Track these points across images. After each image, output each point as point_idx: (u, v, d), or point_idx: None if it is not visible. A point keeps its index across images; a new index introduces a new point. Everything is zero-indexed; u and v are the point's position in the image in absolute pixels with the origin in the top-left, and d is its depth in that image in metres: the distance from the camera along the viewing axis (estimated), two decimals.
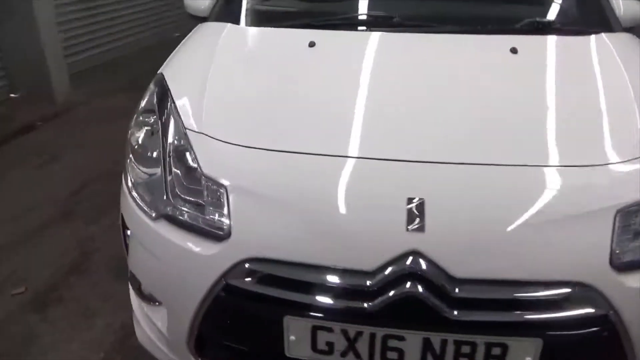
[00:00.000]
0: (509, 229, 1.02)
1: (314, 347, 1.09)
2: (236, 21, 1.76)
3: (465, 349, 1.03)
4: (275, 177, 1.15)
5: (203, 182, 1.19)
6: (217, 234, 1.13)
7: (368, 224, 1.05)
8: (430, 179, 1.09)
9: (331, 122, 1.27)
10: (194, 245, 1.15)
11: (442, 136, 1.20)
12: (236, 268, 1.09)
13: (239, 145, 1.22)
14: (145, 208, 1.25)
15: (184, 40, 1.84)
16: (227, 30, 1.71)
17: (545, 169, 1.11)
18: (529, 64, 1.46)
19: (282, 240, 1.08)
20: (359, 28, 1.69)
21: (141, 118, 1.42)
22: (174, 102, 1.37)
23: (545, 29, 1.63)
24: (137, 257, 1.33)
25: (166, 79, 1.49)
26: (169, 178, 1.25)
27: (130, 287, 1.46)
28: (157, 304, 1.33)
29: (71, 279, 2.13)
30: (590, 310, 1.01)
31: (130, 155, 1.37)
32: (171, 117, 1.34)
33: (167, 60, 1.76)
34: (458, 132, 1.21)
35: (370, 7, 1.74)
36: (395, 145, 1.17)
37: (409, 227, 1.02)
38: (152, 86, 1.52)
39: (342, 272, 1.05)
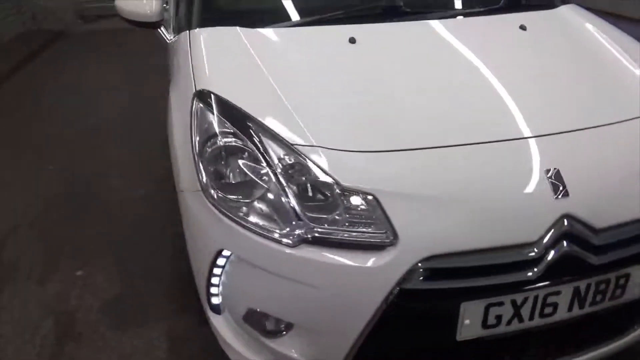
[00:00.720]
0: (629, 177, 1.25)
1: (484, 324, 1.18)
2: (248, 24, 1.64)
3: (602, 287, 1.23)
4: (422, 175, 1.19)
5: (337, 195, 1.15)
6: (382, 244, 1.12)
7: (522, 201, 1.17)
8: (556, 149, 1.25)
9: (431, 114, 1.34)
10: (359, 261, 1.12)
11: (540, 110, 1.37)
12: (411, 271, 1.11)
13: (362, 151, 1.21)
14: (275, 236, 1.16)
15: (180, 53, 1.67)
16: (247, 34, 1.59)
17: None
18: (539, 39, 1.72)
19: (449, 233, 1.13)
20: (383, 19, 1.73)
21: (218, 143, 1.27)
22: (257, 120, 1.27)
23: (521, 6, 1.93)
24: (264, 291, 1.22)
25: (221, 96, 1.35)
26: (291, 200, 1.17)
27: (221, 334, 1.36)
28: (283, 333, 1.26)
29: None
30: None
31: (216, 192, 1.23)
32: (263, 135, 1.24)
33: (175, 77, 1.56)
34: (551, 104, 1.41)
35: None
36: (511, 125, 1.30)
37: (556, 196, 1.16)
38: (202, 105, 1.35)
39: (508, 248, 1.15)
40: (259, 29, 1.64)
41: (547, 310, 1.21)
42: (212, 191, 1.23)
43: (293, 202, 1.16)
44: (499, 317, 1.18)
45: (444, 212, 1.14)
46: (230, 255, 1.24)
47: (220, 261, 1.26)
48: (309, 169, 1.18)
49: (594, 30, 1.77)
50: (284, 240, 1.14)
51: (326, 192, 1.16)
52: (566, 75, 1.56)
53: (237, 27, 1.62)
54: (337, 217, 1.15)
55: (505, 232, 1.15)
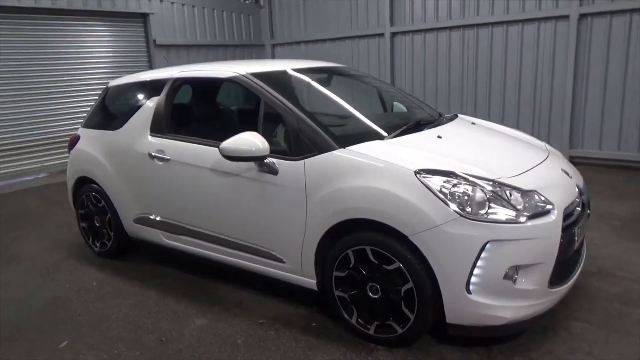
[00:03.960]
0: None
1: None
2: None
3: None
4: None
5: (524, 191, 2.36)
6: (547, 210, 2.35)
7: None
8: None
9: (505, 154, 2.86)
10: (548, 219, 2.32)
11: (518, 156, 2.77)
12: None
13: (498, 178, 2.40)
14: (515, 219, 2.24)
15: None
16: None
17: None
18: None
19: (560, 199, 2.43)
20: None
21: (458, 187, 2.29)
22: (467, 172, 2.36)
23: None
24: (515, 253, 2.28)
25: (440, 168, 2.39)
26: (510, 201, 2.28)
27: None
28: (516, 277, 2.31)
29: None
30: None
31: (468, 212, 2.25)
32: (470, 177, 2.33)
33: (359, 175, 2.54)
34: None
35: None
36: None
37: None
38: (429, 175, 2.34)
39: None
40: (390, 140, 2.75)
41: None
42: (465, 212, 2.22)
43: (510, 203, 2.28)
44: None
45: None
46: (487, 244, 2.19)
47: (483, 254, 2.21)
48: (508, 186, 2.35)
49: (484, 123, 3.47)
50: (520, 218, 2.23)
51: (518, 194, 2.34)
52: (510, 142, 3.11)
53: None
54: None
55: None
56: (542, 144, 3.22)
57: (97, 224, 3.92)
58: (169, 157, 3.24)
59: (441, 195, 2.22)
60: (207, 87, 4.05)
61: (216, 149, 2.93)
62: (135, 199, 3.56)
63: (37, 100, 6.97)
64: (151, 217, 3.49)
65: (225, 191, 2.94)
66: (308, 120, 2.68)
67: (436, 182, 2.27)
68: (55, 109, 7.18)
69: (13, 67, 6.68)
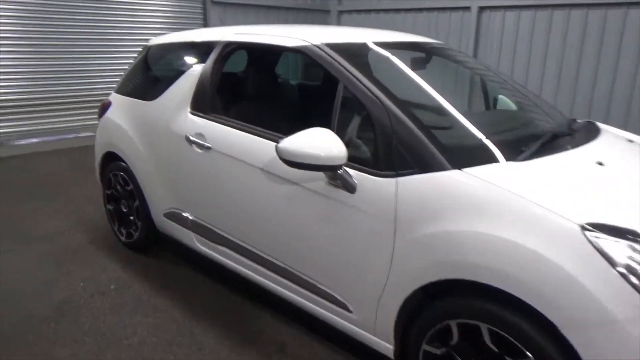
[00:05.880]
0: None
1: None
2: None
3: None
4: None
5: None
6: None
7: None
8: None
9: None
10: None
11: None
12: None
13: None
14: None
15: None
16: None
17: None
18: None
19: None
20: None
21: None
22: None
23: None
24: None
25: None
26: None
27: None
28: None
29: None
30: None
31: None
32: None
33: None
34: None
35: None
36: None
37: None
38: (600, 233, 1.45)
39: None
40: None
41: None
42: None
43: None
44: None
45: None
46: None
47: None
48: None
49: None
50: None
51: None
52: None
53: None
54: None
55: None
56: None
57: (124, 210, 3.30)
58: (209, 145, 2.51)
59: (625, 271, 1.37)
60: (265, 57, 3.27)
61: (272, 143, 2.17)
62: (168, 189, 2.88)
63: (83, 54, 6.44)
64: (184, 214, 2.81)
65: (279, 202, 2.19)
66: (409, 122, 1.85)
67: (617, 248, 1.41)
68: (101, 64, 6.63)
69: (60, 18, 6.13)
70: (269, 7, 8.08)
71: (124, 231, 3.35)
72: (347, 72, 2.05)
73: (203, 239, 2.73)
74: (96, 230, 3.66)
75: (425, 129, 1.84)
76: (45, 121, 6.32)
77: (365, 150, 1.96)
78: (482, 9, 6.79)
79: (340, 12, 8.78)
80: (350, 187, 1.89)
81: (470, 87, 3.20)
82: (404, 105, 1.91)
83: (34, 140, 6.15)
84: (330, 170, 1.87)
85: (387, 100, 1.91)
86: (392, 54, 2.42)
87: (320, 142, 1.83)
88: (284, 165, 1.96)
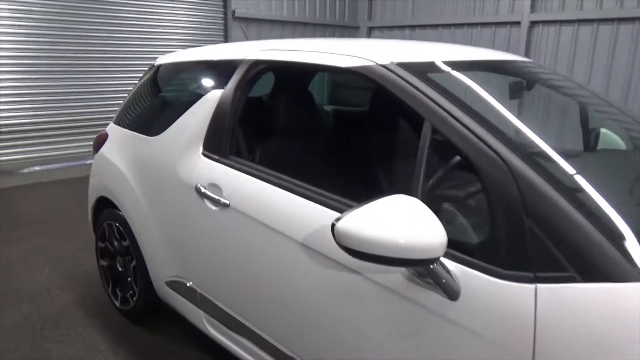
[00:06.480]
0: None
1: None
2: None
3: None
4: None
5: None
6: None
7: None
8: None
9: None
10: None
11: None
12: None
13: None
14: None
15: None
16: None
17: None
18: None
19: None
20: None
21: None
22: None
23: None
24: None
25: None
26: None
27: None
28: None
29: None
30: None
31: None
32: None
33: None
34: None
35: None
36: None
37: None
38: None
39: None
40: None
41: None
42: None
43: None
44: None
45: None
46: None
47: None
48: None
49: None
50: None
51: None
52: None
53: None
54: None
55: None
56: None
57: (120, 269, 2.64)
58: (227, 202, 1.82)
59: None
60: (299, 79, 2.60)
61: (319, 207, 1.48)
62: (171, 252, 2.20)
63: (94, 74, 5.90)
64: (189, 284, 2.12)
65: (326, 295, 1.47)
66: (554, 194, 1.13)
67: None
68: (113, 84, 6.09)
69: (69, 35, 5.62)
70: (295, 23, 7.50)
71: (119, 294, 2.68)
72: (439, 108, 1.34)
73: (214, 320, 2.02)
74: (88, 286, 2.99)
75: (591, 206, 1.12)
76: (51, 147, 5.77)
77: (471, 232, 1.24)
78: (533, 23, 6.08)
79: (371, 29, 8.16)
80: (450, 291, 1.17)
81: (567, 118, 2.47)
82: (540, 165, 1.19)
83: (37, 168, 5.60)
84: (420, 265, 1.15)
85: (511, 156, 1.19)
86: (483, 78, 1.72)
87: (403, 222, 1.12)
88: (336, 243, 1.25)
